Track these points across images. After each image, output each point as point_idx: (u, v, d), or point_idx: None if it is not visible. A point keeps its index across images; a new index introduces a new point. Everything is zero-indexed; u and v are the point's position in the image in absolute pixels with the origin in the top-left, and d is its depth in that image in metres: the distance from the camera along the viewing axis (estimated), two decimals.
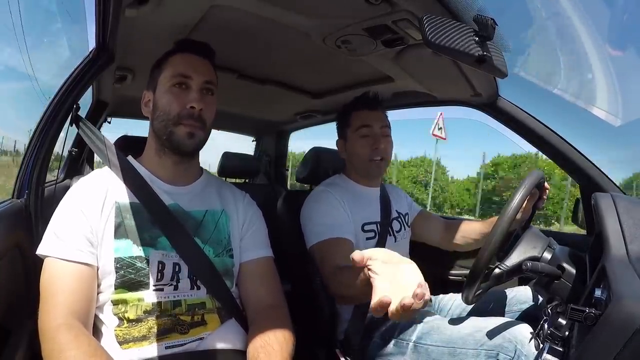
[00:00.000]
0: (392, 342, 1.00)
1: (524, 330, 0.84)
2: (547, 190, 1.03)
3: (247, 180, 2.11)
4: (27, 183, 0.87)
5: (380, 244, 1.13)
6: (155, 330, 0.73)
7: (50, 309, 0.66)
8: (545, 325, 0.77)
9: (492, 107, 1.23)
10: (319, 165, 1.39)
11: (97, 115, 1.52)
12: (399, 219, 1.24)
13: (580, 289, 0.77)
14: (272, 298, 0.85)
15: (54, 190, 0.99)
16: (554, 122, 1.19)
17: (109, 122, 1.79)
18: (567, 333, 0.73)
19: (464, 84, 1.12)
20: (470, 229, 1.23)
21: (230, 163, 1.92)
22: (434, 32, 0.61)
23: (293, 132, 2.27)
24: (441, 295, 1.26)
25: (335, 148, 1.27)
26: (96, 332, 0.74)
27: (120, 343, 0.72)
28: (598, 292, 0.63)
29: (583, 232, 1.29)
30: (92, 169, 1.55)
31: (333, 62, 1.13)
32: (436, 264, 1.48)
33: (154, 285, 0.76)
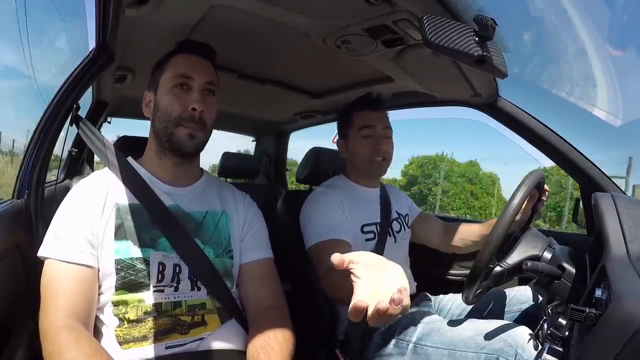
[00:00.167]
0: (392, 342, 1.00)
1: (524, 334, 0.84)
2: (546, 192, 1.03)
3: (247, 181, 2.11)
4: (27, 183, 0.87)
5: (380, 245, 1.13)
6: (155, 330, 0.74)
7: (51, 310, 0.66)
8: (545, 325, 0.77)
9: (492, 107, 1.23)
10: (319, 165, 1.39)
11: (97, 115, 1.52)
12: (399, 220, 1.24)
13: (581, 288, 0.77)
14: (272, 299, 0.85)
15: (54, 190, 0.99)
16: (553, 122, 1.19)
17: (109, 122, 1.79)
18: (567, 333, 0.74)
19: (464, 84, 1.12)
20: (470, 231, 1.22)
21: (230, 163, 1.92)
22: (434, 32, 0.61)
23: (293, 132, 2.27)
24: (441, 296, 1.26)
25: (336, 148, 1.27)
26: (96, 332, 0.74)
27: (121, 343, 0.72)
28: (598, 292, 0.63)
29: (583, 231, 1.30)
30: (92, 169, 1.55)
31: (333, 62, 1.13)
32: (436, 264, 1.48)
33: (155, 287, 0.75)
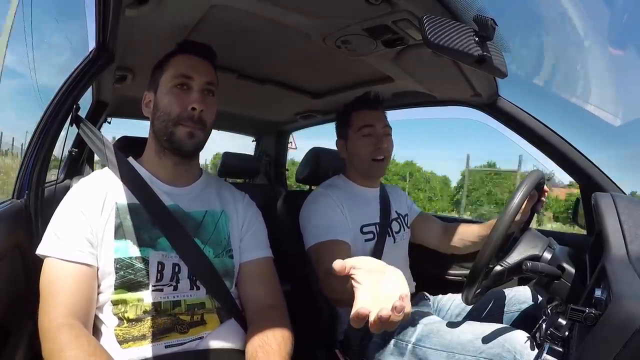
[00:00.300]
0: (392, 342, 1.00)
1: (523, 338, 0.84)
2: (545, 193, 1.03)
3: (246, 180, 2.11)
4: (27, 183, 0.87)
5: (379, 245, 1.13)
6: (155, 329, 0.74)
7: (50, 309, 0.66)
8: (544, 326, 0.77)
9: (492, 107, 1.23)
10: (319, 165, 1.39)
11: (97, 116, 1.52)
12: (399, 220, 1.24)
13: (580, 289, 0.77)
14: (271, 298, 0.85)
15: (54, 190, 0.99)
16: (553, 122, 1.19)
17: (109, 122, 1.79)
18: (567, 333, 0.74)
19: (464, 84, 1.12)
20: (469, 232, 1.22)
21: (230, 163, 1.92)
22: (434, 32, 0.61)
23: (293, 132, 2.27)
24: (440, 295, 1.26)
25: (336, 148, 1.27)
26: (96, 331, 0.74)
27: (120, 342, 0.72)
28: (598, 292, 0.63)
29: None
30: (92, 169, 1.55)
31: (333, 62, 1.13)
32: (435, 264, 1.48)
33: (154, 286, 0.76)
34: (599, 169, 1.16)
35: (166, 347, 0.73)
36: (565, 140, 1.18)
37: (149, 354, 0.72)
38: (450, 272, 1.53)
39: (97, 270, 0.73)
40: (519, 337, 0.84)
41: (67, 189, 0.81)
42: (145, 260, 0.75)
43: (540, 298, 1.06)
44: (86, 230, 0.73)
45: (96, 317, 0.74)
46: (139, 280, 0.74)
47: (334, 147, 1.27)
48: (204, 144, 0.86)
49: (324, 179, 1.26)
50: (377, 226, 1.16)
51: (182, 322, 0.76)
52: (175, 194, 0.84)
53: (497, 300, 1.13)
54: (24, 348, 0.77)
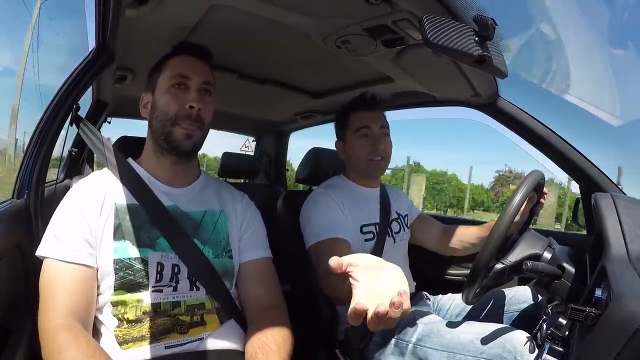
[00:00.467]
0: (392, 342, 1.00)
1: (523, 338, 0.84)
2: (545, 195, 1.03)
3: (246, 181, 2.11)
4: (27, 183, 0.87)
5: (379, 245, 1.13)
6: (154, 330, 0.74)
7: (49, 309, 0.66)
8: (545, 325, 0.77)
9: (492, 108, 1.23)
10: (319, 165, 1.39)
11: (97, 115, 1.52)
12: (399, 220, 1.24)
13: (581, 288, 0.77)
14: (270, 298, 0.85)
15: (54, 190, 0.99)
16: (553, 122, 1.19)
17: (109, 122, 1.79)
18: (567, 333, 0.74)
19: (464, 84, 1.12)
20: (468, 234, 1.22)
21: (230, 163, 1.92)
22: (434, 32, 0.61)
23: (293, 132, 2.27)
24: (440, 295, 1.26)
25: (335, 148, 1.27)
26: (96, 333, 0.74)
27: (120, 344, 0.72)
28: (598, 292, 0.63)
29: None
30: (92, 169, 1.55)
31: (333, 62, 1.13)
32: (435, 264, 1.48)
33: (153, 287, 0.75)
34: (598, 169, 1.16)
35: (166, 347, 0.73)
36: (565, 141, 1.18)
37: (149, 355, 0.72)
38: (450, 272, 1.53)
39: (97, 271, 0.73)
40: (520, 337, 0.84)
41: (67, 188, 0.81)
42: (144, 261, 0.75)
43: (540, 298, 1.06)
44: (85, 231, 0.73)
45: (96, 318, 0.74)
46: (138, 281, 0.74)
47: (326, 146, 1.27)
48: (202, 143, 0.86)
49: (323, 179, 1.26)
50: (377, 226, 1.16)
51: (182, 323, 0.76)
52: (173, 194, 0.84)
53: (497, 300, 1.13)
54: (24, 348, 0.77)
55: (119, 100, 1.52)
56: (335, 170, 1.32)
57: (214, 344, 0.77)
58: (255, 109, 1.81)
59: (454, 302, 1.21)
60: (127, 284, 0.74)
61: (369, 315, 0.43)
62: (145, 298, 0.75)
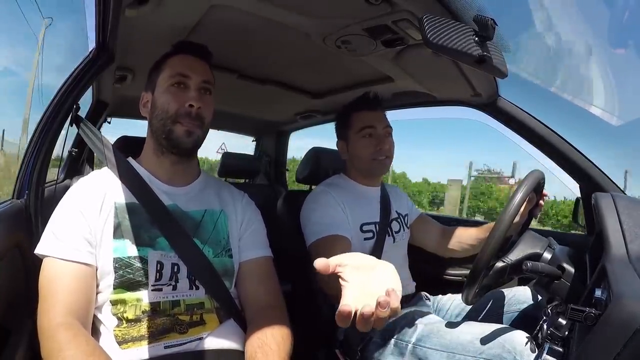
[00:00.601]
0: (392, 342, 1.00)
1: (523, 338, 0.84)
2: (544, 196, 1.03)
3: (247, 181, 2.11)
4: (27, 183, 0.87)
5: (379, 244, 1.13)
6: (154, 330, 0.74)
7: (49, 308, 0.66)
8: (545, 326, 0.77)
9: (492, 107, 1.23)
10: (319, 165, 1.39)
11: (97, 115, 1.52)
12: (399, 220, 1.24)
13: (581, 289, 0.77)
14: (270, 298, 0.85)
15: (54, 190, 0.99)
16: (553, 122, 1.19)
17: (109, 122, 1.79)
18: (567, 333, 0.74)
19: (464, 84, 1.12)
20: (467, 235, 1.22)
21: (230, 163, 1.92)
22: (434, 32, 0.61)
23: (293, 132, 2.27)
24: (440, 296, 1.26)
25: (336, 148, 1.27)
26: (95, 332, 0.74)
27: (120, 343, 0.72)
28: (598, 292, 0.63)
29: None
30: (92, 169, 1.55)
31: (333, 62, 1.13)
32: (435, 264, 1.48)
33: (153, 286, 0.76)
34: (599, 169, 1.16)
35: (165, 347, 0.73)
36: (565, 141, 1.18)
37: (148, 355, 0.72)
38: (450, 272, 1.53)
39: (96, 269, 0.73)
40: (519, 337, 0.84)
41: (67, 188, 0.81)
42: (144, 260, 0.75)
43: (540, 298, 1.06)
44: (85, 230, 0.73)
45: (95, 317, 0.74)
46: (137, 280, 0.74)
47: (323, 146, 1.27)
48: (202, 142, 0.86)
49: (324, 179, 1.26)
50: (377, 225, 1.16)
51: (181, 322, 0.76)
52: (173, 193, 0.84)
53: (497, 300, 1.13)
54: (24, 347, 0.77)
55: (119, 100, 1.52)
56: (335, 169, 1.32)
57: (213, 343, 0.77)
58: (255, 109, 1.81)
59: (453, 303, 1.21)
60: (126, 282, 0.74)
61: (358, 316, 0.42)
62: (144, 297, 0.75)
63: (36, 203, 0.86)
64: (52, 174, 1.14)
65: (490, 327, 0.90)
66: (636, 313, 0.52)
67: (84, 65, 0.91)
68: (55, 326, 0.64)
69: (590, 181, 1.16)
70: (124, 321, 0.73)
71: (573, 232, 1.67)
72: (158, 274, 0.76)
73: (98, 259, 0.73)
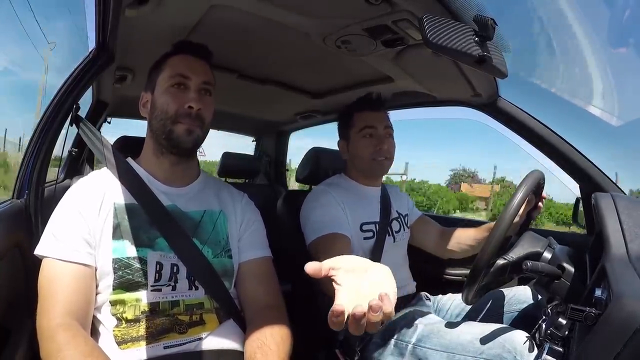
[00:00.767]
0: (392, 342, 1.00)
1: (523, 338, 0.84)
2: (543, 199, 1.03)
3: (247, 181, 2.11)
4: (27, 183, 0.87)
5: (379, 244, 1.13)
6: (153, 330, 0.74)
7: (48, 308, 0.66)
8: (544, 325, 0.77)
9: (492, 108, 1.23)
10: (319, 165, 1.39)
11: (97, 115, 1.52)
12: (399, 220, 1.24)
13: (581, 288, 0.77)
14: (270, 298, 0.85)
15: (54, 190, 0.99)
16: (553, 123, 1.19)
17: (109, 122, 1.79)
18: (567, 333, 0.74)
19: (464, 84, 1.12)
20: (465, 236, 1.22)
21: (230, 163, 1.92)
22: (434, 32, 0.61)
23: (293, 132, 2.27)
24: (440, 296, 1.26)
25: (336, 148, 1.27)
26: (95, 332, 0.74)
27: (119, 343, 0.72)
28: (598, 292, 0.63)
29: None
30: (92, 169, 1.55)
31: (333, 62, 1.13)
32: (435, 264, 1.48)
33: (152, 286, 0.75)
34: (598, 169, 1.16)
35: (165, 347, 0.73)
36: (565, 141, 1.18)
37: (148, 355, 0.72)
38: (450, 272, 1.53)
39: (95, 270, 0.73)
40: (519, 337, 0.84)
41: (67, 188, 0.81)
42: (143, 261, 0.75)
43: (540, 298, 1.06)
44: (84, 231, 0.73)
45: (95, 317, 0.74)
46: (137, 281, 0.74)
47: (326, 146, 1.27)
48: (202, 142, 0.86)
49: (324, 179, 1.26)
50: (377, 225, 1.16)
51: (180, 323, 0.76)
52: (173, 194, 0.84)
53: (497, 300, 1.13)
54: (24, 348, 0.77)
55: (119, 100, 1.52)
56: (335, 170, 1.32)
57: (212, 343, 0.77)
58: (255, 109, 1.81)
59: (453, 303, 1.21)
60: (125, 283, 0.74)
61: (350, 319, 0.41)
62: (143, 297, 0.75)
63: (36, 203, 0.86)
64: (52, 174, 1.14)
65: (490, 327, 0.90)
66: (636, 313, 0.52)
67: (84, 65, 0.91)
68: (55, 327, 0.64)
69: (590, 181, 1.16)
70: (123, 321, 0.73)
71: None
72: (157, 274, 0.76)
73: (97, 259, 0.73)
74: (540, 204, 1.03)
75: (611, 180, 1.16)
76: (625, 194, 1.12)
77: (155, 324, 0.74)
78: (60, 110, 0.89)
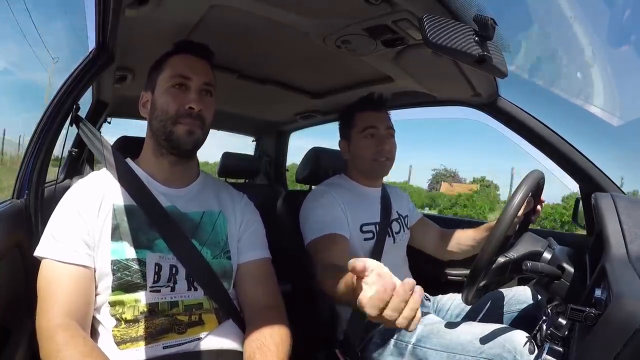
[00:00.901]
0: (392, 342, 1.00)
1: (523, 338, 0.84)
2: (542, 202, 1.02)
3: (247, 181, 2.11)
4: (27, 183, 0.87)
5: (379, 245, 1.13)
6: (152, 330, 0.74)
7: (48, 309, 0.66)
8: (545, 326, 0.77)
9: (492, 107, 1.23)
10: (319, 165, 1.39)
11: (97, 116, 1.52)
12: (399, 220, 1.24)
13: (580, 288, 0.77)
14: (269, 299, 0.85)
15: (54, 190, 0.99)
16: (553, 123, 1.19)
17: (109, 123, 1.79)
18: (567, 333, 0.74)
19: (464, 84, 1.12)
20: (465, 237, 1.22)
21: (230, 163, 1.92)
22: (434, 32, 0.61)
23: (293, 132, 2.27)
24: (440, 296, 1.26)
25: (337, 148, 1.27)
26: (94, 333, 0.74)
27: (118, 344, 0.72)
28: (598, 292, 0.63)
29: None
30: (92, 169, 1.55)
31: (333, 62, 1.13)
32: (435, 265, 1.48)
33: (151, 287, 0.75)
34: (599, 169, 1.16)
35: (164, 347, 0.73)
36: (565, 141, 1.18)
37: (147, 356, 0.72)
38: (450, 272, 1.53)
39: (95, 271, 0.73)
40: (519, 337, 0.84)
41: (67, 188, 0.81)
42: (142, 262, 0.75)
43: (540, 298, 1.06)
44: (83, 232, 0.73)
45: (94, 318, 0.74)
46: (136, 282, 0.74)
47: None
48: (202, 143, 0.85)
49: (324, 179, 1.26)
50: (377, 225, 1.16)
51: (180, 323, 0.76)
52: (172, 195, 0.84)
53: (497, 300, 1.13)
54: (24, 348, 0.77)
55: (119, 100, 1.52)
56: (335, 170, 1.32)
57: (212, 343, 0.77)
58: (255, 109, 1.81)
59: (453, 303, 1.21)
60: (124, 284, 0.74)
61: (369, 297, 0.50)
62: (142, 298, 0.75)
63: (36, 203, 0.86)
64: (52, 174, 1.14)
65: (490, 327, 0.90)
66: (636, 313, 0.52)
67: (84, 65, 0.91)
68: (54, 327, 0.64)
69: (590, 181, 1.16)
70: (122, 322, 0.73)
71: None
72: (156, 275, 0.76)
73: (96, 260, 0.73)
74: (539, 207, 1.02)
75: (611, 181, 1.15)
76: (625, 194, 1.12)
77: (154, 324, 0.74)
78: (60, 110, 0.89)
